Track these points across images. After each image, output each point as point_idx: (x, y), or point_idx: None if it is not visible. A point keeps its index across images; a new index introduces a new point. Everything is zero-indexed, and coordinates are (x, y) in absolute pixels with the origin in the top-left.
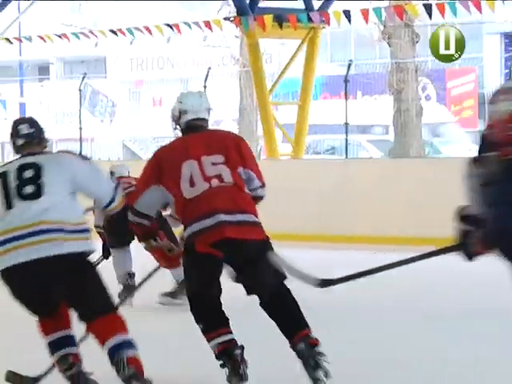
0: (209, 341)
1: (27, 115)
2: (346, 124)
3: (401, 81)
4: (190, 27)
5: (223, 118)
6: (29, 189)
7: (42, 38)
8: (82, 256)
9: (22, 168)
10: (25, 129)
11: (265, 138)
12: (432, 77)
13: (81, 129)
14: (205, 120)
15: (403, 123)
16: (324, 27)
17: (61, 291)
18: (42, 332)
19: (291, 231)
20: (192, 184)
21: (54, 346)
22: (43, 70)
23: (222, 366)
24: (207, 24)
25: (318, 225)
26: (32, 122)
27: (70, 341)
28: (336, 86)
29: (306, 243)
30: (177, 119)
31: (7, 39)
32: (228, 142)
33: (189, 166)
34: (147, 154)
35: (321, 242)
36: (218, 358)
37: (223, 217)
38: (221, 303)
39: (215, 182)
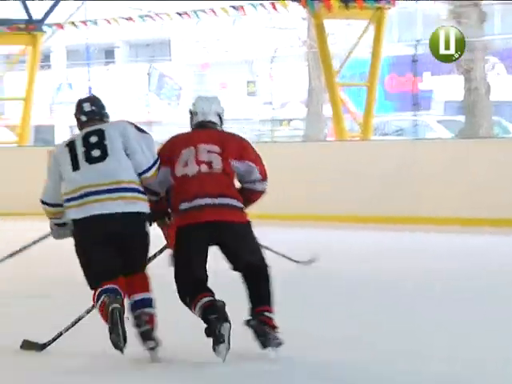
0: (195, 307)
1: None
2: (415, 105)
3: (469, 60)
4: (255, 9)
5: (290, 99)
6: (95, 152)
7: (107, 21)
8: (144, 216)
9: (87, 135)
10: (87, 106)
11: (333, 120)
12: (501, 55)
13: (148, 112)
14: (214, 123)
15: (472, 103)
16: (390, 7)
17: (121, 244)
18: (94, 298)
19: (360, 213)
20: (185, 165)
21: (98, 297)
22: (109, 53)
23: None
24: (273, 5)
25: (386, 206)
26: (93, 101)
27: (115, 290)
28: (403, 66)
29: (374, 225)
30: (190, 119)
31: (73, 23)
32: (230, 138)
33: (188, 151)
34: None
35: (388, 223)
36: (208, 319)
37: (207, 200)
38: (205, 280)
39: (204, 167)
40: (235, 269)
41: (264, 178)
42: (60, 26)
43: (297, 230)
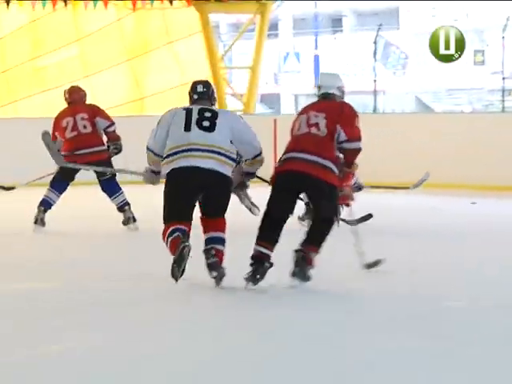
0: (255, 244)
1: (320, 68)
2: None
3: None
4: None
5: None
6: (206, 123)
7: None
8: (228, 178)
9: (202, 109)
10: (200, 88)
11: None
12: None
13: (375, 81)
14: (334, 95)
15: None
16: None
17: (205, 194)
18: (164, 232)
19: None
20: (299, 128)
21: (172, 232)
22: (336, 22)
23: (251, 265)
24: None
25: None
26: (206, 84)
27: (184, 232)
28: None
29: None
30: (317, 91)
31: None
32: (333, 106)
33: (302, 117)
34: (440, 107)
35: None
36: (251, 258)
37: (303, 155)
38: (283, 224)
39: (314, 130)
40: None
41: (350, 138)
42: None
43: None
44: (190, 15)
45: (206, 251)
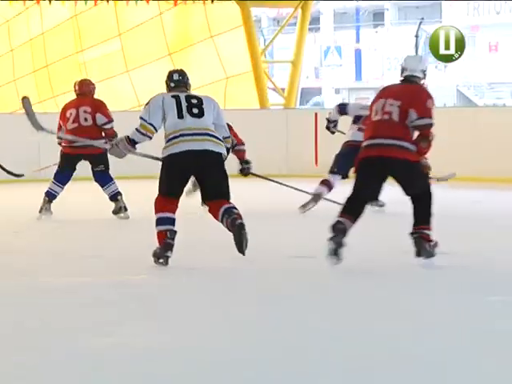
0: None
1: (362, 61)
2: None
3: None
4: None
5: None
6: (195, 110)
7: None
8: (222, 156)
9: (188, 97)
10: (176, 76)
11: None
12: None
13: None
14: (417, 77)
15: None
16: None
17: (204, 174)
18: (157, 207)
19: None
20: (376, 113)
21: (161, 222)
22: (378, 15)
23: (329, 239)
24: None
25: None
26: (181, 73)
27: (173, 222)
28: None
29: None
30: (400, 74)
31: None
32: (410, 92)
33: (380, 102)
34: (482, 100)
35: None
36: (331, 227)
37: (379, 140)
38: (365, 206)
39: (386, 117)
40: (406, 194)
41: (421, 115)
42: None
43: None
44: (231, 9)
45: (226, 214)
